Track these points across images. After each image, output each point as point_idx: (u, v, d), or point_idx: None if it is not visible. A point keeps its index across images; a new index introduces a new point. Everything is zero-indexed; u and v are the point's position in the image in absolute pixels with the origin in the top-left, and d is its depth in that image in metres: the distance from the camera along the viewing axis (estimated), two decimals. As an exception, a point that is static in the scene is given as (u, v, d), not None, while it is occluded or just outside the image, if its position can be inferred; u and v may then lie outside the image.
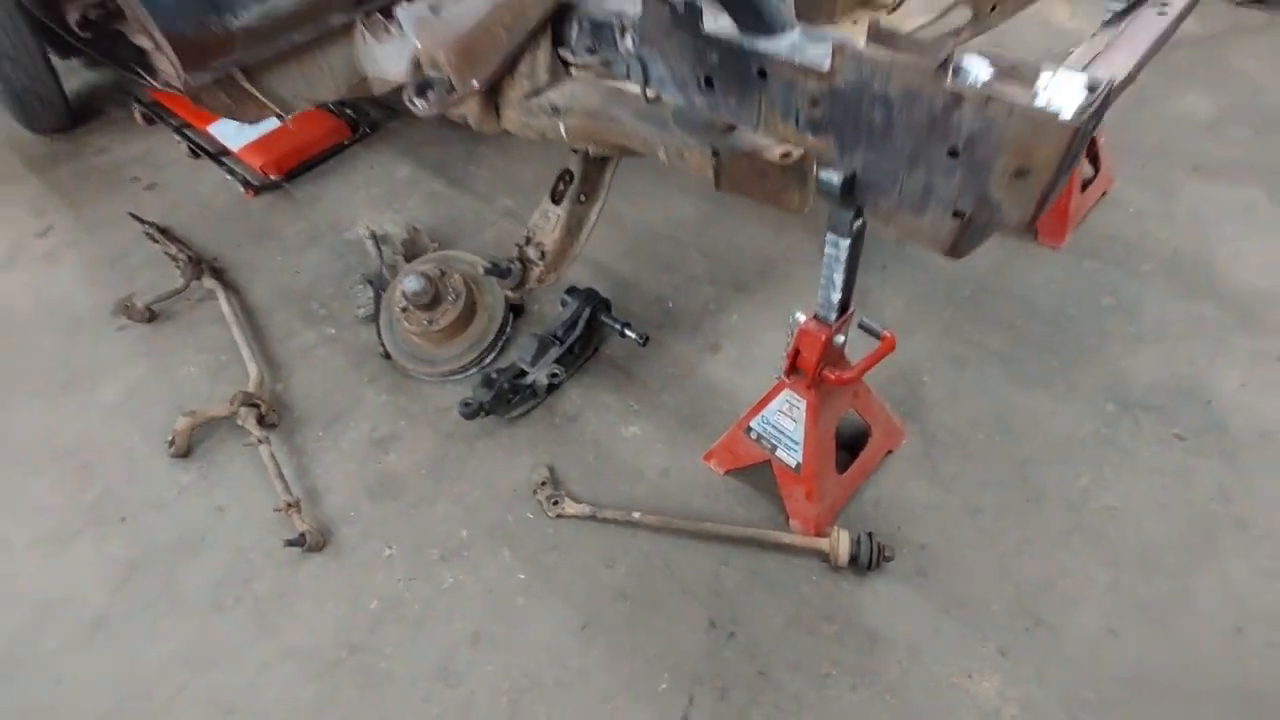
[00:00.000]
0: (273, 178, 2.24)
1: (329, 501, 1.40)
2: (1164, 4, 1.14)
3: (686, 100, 0.87)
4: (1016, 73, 0.62)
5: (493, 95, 1.04)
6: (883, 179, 0.73)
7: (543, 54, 0.97)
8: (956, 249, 0.75)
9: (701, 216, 1.86)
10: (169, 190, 2.39)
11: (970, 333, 1.49)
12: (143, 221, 2.15)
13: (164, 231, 2.13)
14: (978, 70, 0.61)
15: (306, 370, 1.68)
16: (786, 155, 0.86)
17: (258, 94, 1.41)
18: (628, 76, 0.92)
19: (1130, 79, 1.07)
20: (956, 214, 0.70)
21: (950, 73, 0.62)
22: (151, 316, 1.88)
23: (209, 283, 1.93)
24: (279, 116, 1.47)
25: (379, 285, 1.76)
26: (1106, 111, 0.66)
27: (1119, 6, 1.26)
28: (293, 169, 2.26)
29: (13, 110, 2.65)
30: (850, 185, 0.76)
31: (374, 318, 1.72)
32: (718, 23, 0.78)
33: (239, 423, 1.51)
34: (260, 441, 1.46)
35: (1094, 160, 1.68)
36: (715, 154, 0.89)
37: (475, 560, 1.27)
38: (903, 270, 1.63)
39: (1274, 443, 1.26)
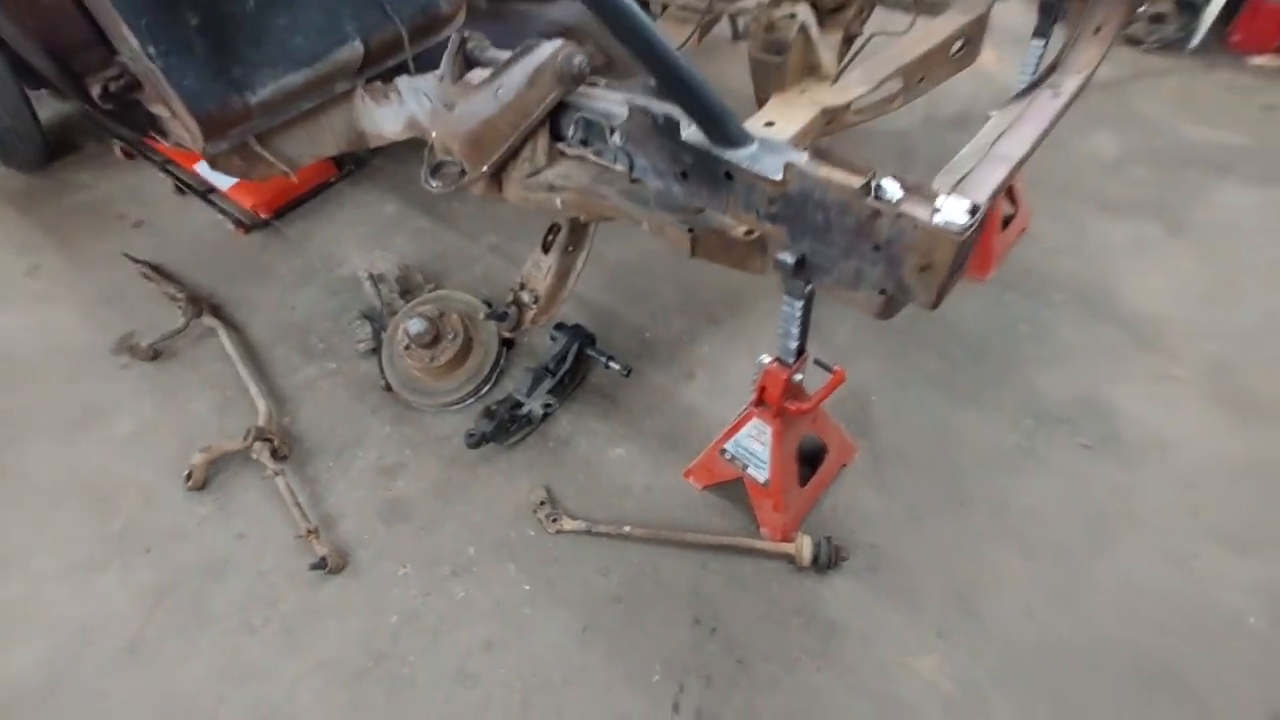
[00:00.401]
0: (263, 216, 2.34)
1: (344, 526, 1.54)
2: (1057, 87, 1.36)
3: (665, 187, 1.05)
4: (921, 191, 0.81)
5: (496, 174, 1.20)
6: (825, 262, 0.92)
7: (542, 142, 1.14)
8: (883, 316, 0.95)
9: (672, 252, 2.03)
10: (157, 227, 2.46)
11: (909, 357, 1.71)
12: (137, 261, 2.23)
13: (157, 270, 2.22)
14: (892, 190, 0.81)
15: (312, 403, 1.80)
16: (749, 232, 1.04)
17: (268, 156, 1.55)
18: (615, 163, 1.09)
19: (1032, 152, 1.28)
20: (882, 291, 0.89)
21: (872, 192, 0.81)
22: (155, 355, 1.98)
23: (209, 321, 2.03)
24: (286, 174, 1.60)
25: (377, 321, 1.90)
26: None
27: (1025, 82, 1.49)
28: (282, 207, 2.37)
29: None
30: (801, 264, 0.95)
31: (374, 352, 1.86)
32: (691, 132, 0.96)
33: (253, 456, 1.64)
34: (276, 473, 1.59)
35: (1013, 200, 1.92)
36: (691, 230, 1.07)
37: (483, 575, 1.42)
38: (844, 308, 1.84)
39: (1164, 449, 1.50)
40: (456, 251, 2.19)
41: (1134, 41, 2.65)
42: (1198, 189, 2.05)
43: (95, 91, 1.45)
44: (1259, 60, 2.50)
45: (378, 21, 1.48)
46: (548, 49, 1.06)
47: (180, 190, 2.52)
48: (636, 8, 0.80)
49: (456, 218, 2.30)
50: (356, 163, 2.53)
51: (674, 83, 0.86)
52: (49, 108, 2.91)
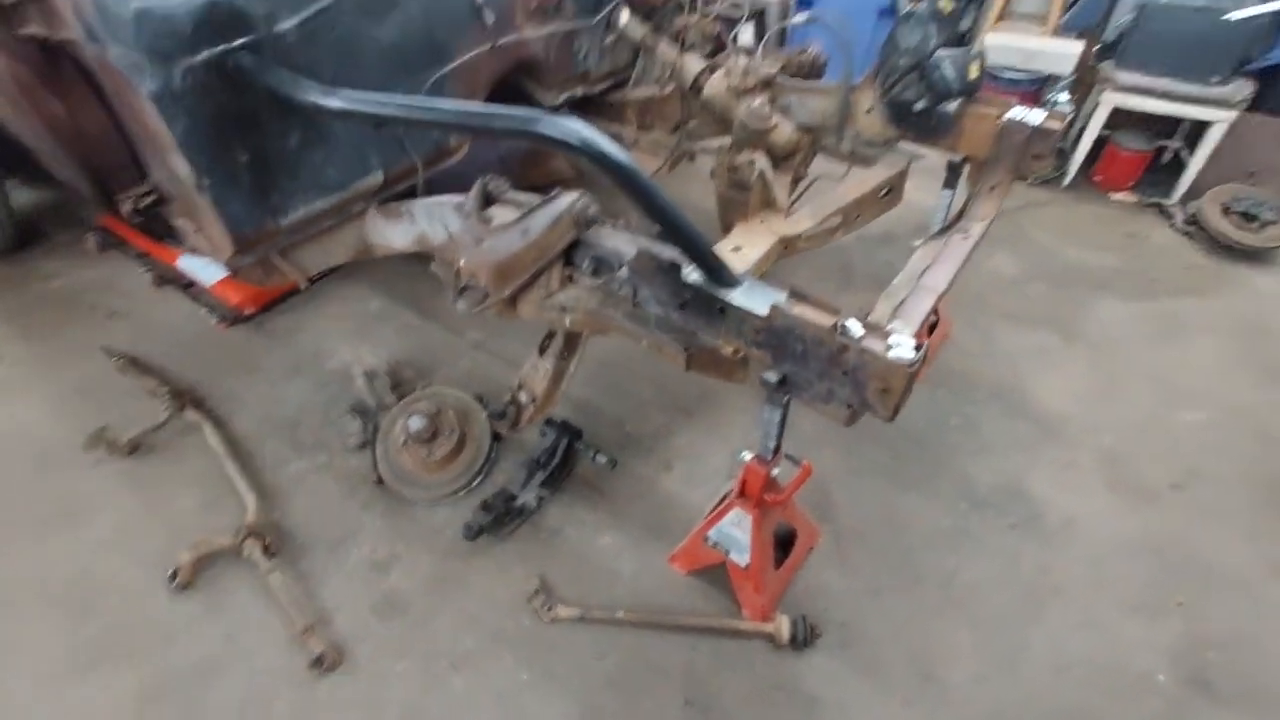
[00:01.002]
0: (249, 312, 2.42)
1: (339, 622, 1.57)
2: (966, 231, 1.69)
3: (665, 314, 1.25)
4: (878, 330, 1.04)
5: (513, 297, 1.38)
6: (802, 381, 1.13)
7: (557, 272, 1.33)
8: (849, 423, 1.16)
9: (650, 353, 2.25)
10: (133, 319, 2.48)
11: (861, 450, 1.93)
12: (114, 354, 2.24)
13: (135, 362, 2.23)
14: (855, 330, 1.03)
15: (302, 497, 1.85)
16: (736, 352, 1.25)
17: (287, 267, 1.68)
18: (621, 291, 1.30)
19: (951, 286, 1.58)
20: (849, 406, 1.10)
21: (839, 330, 1.03)
22: (133, 450, 1.98)
23: (192, 415, 2.05)
24: (302, 283, 1.74)
25: (369, 416, 1.98)
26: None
27: (940, 224, 1.82)
28: (267, 302, 2.46)
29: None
30: (782, 382, 1.15)
31: (365, 446, 1.94)
32: (691, 273, 1.17)
33: (245, 554, 1.66)
34: (269, 571, 1.62)
35: (936, 313, 2.24)
36: (687, 349, 1.27)
37: (482, 666, 1.48)
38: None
39: (1074, 528, 1.75)
40: (442, 347, 2.32)
41: (1021, 177, 3.16)
42: (1084, 303, 2.45)
43: (126, 207, 1.57)
44: (1118, 196, 3.05)
45: (397, 156, 1.69)
46: (567, 199, 1.28)
47: (160, 283, 2.56)
48: (657, 186, 1.03)
49: (440, 314, 2.44)
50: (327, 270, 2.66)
51: (682, 238, 1.08)
52: (20, 195, 2.91)
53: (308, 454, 1.97)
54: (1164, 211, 2.92)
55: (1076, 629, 1.55)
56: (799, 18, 2.15)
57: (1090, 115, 2.95)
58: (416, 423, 1.74)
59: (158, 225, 1.70)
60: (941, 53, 1.70)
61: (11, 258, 2.75)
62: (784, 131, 1.90)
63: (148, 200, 1.59)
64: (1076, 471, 1.88)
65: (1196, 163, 2.85)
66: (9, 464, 1.97)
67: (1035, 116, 1.68)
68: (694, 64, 2.04)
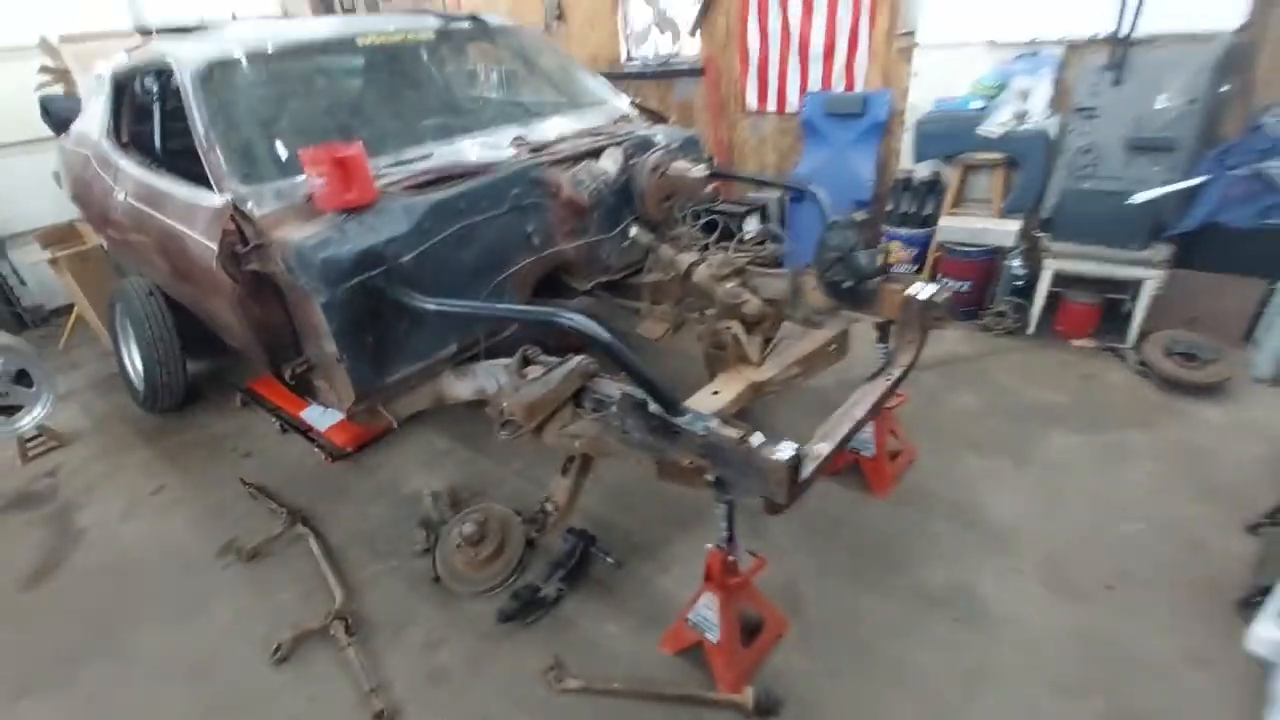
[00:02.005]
0: (348, 450, 3.09)
1: (397, 687, 1.98)
2: (889, 375, 2.19)
3: (642, 437, 1.78)
4: (773, 440, 1.53)
5: (539, 428, 1.95)
6: (733, 480, 1.61)
7: (569, 410, 1.91)
8: (770, 512, 1.61)
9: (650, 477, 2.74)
10: (262, 457, 3.19)
11: (830, 553, 2.29)
12: (247, 484, 2.92)
13: (262, 490, 2.89)
14: (755, 440, 1.53)
15: (377, 591, 2.34)
16: (690, 462, 1.75)
17: (385, 413, 2.34)
18: (613, 422, 1.85)
19: (874, 412, 2.06)
20: (763, 497, 1.57)
21: (743, 441, 1.54)
22: (253, 556, 2.55)
23: (300, 529, 2.64)
24: (394, 425, 2.38)
25: (432, 529, 2.51)
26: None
27: (873, 371, 2.33)
28: (363, 443, 3.13)
29: (141, 396, 3.54)
30: (720, 482, 1.64)
31: (427, 552, 2.44)
32: (654, 407, 1.72)
33: (331, 633, 2.14)
34: (347, 645, 2.08)
35: (898, 438, 2.66)
36: (658, 463, 1.78)
37: (506, 724, 1.85)
38: (787, 513, 2.48)
39: (1012, 621, 2.01)
40: (491, 474, 2.88)
41: (987, 329, 3.67)
42: (1037, 435, 2.82)
43: (287, 373, 2.30)
44: (1078, 343, 3.47)
45: (467, 333, 2.38)
46: (576, 361, 1.89)
47: (284, 430, 3.31)
48: (627, 351, 1.62)
49: (490, 450, 3.03)
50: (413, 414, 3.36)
51: (645, 384, 1.65)
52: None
53: (383, 559, 2.49)
54: (1119, 355, 3.32)
55: (1008, 706, 1.78)
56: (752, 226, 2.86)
57: (1039, 277, 3.49)
58: (469, 527, 2.26)
59: (302, 385, 2.42)
60: (861, 249, 2.33)
61: (177, 412, 3.59)
62: (753, 305, 2.51)
63: (302, 368, 2.32)
64: (1018, 575, 2.16)
65: (1139, 313, 3.29)
66: (160, 565, 2.57)
67: (927, 291, 2.23)
68: (686, 259, 2.74)
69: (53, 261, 4.23)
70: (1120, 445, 2.70)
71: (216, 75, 2.39)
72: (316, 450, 3.12)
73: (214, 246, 2.11)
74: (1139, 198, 3.10)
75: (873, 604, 2.11)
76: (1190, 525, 2.28)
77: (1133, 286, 3.32)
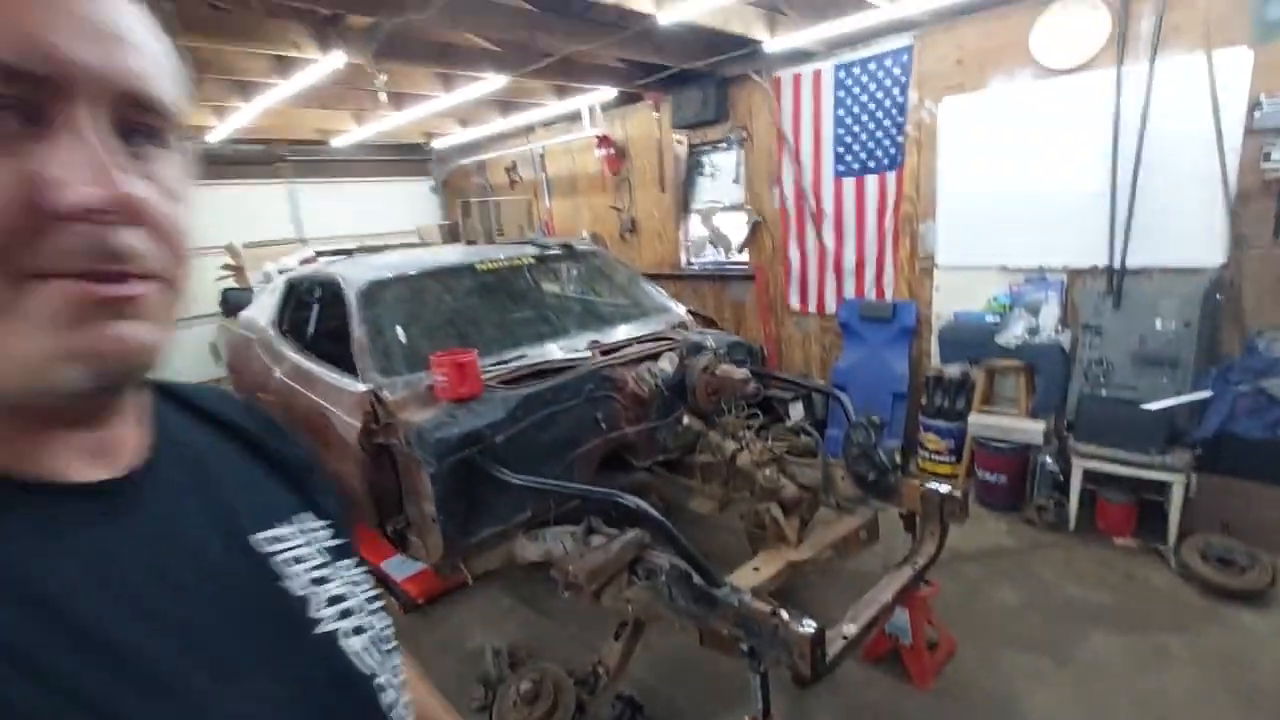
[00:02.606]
0: (420, 601, 3.40)
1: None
2: (915, 564, 2.42)
3: (687, 605, 2.07)
4: (796, 617, 1.80)
5: (599, 592, 2.26)
6: (763, 650, 1.86)
7: (624, 576, 2.23)
8: (797, 684, 1.83)
9: (694, 647, 2.91)
10: (342, 604, 3.54)
11: (867, 743, 2.37)
12: (330, 627, 3.23)
13: (341, 635, 3.20)
14: (783, 615, 1.81)
15: (436, 745, 2.52)
16: (728, 632, 2.01)
17: (464, 568, 2.70)
18: (662, 590, 2.15)
19: (901, 598, 2.27)
20: (790, 669, 1.80)
21: (773, 614, 1.81)
22: (329, 698, 2.80)
23: (372, 676, 2.90)
24: (469, 580, 2.73)
25: (490, 685, 2.72)
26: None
27: (900, 558, 2.56)
28: (435, 595, 3.45)
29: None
30: (752, 652, 1.88)
31: (485, 709, 2.64)
32: (697, 580, 2.03)
33: (394, 779, 2.32)
34: (408, 793, 2.25)
35: (936, 628, 2.78)
36: (699, 630, 2.05)
37: None
38: (829, 697, 2.58)
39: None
40: (550, 636, 3.11)
41: (1030, 523, 3.80)
42: (1078, 633, 2.87)
43: (389, 527, 2.74)
44: (1119, 541, 3.55)
45: (542, 502, 2.80)
46: (633, 534, 2.25)
47: (364, 579, 3.67)
48: (674, 529, 1.98)
49: (552, 612, 3.28)
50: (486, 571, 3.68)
51: (689, 558, 1.98)
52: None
53: (444, 711, 2.69)
54: (1161, 555, 3.38)
55: None
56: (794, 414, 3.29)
57: (1071, 473, 3.69)
58: (525, 685, 2.48)
59: (397, 538, 2.84)
60: (886, 443, 2.69)
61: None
62: (790, 490, 2.85)
63: (401, 524, 2.75)
64: (1057, 780, 2.18)
65: (1174, 514, 3.40)
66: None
67: (943, 488, 2.52)
68: (730, 446, 3.16)
69: (197, 417, 5.03)
70: (1162, 649, 2.72)
71: (373, 292, 3.16)
72: (392, 600, 3.45)
73: (355, 423, 2.69)
74: (1151, 406, 3.38)
75: (908, 798, 2.15)
76: (1236, 740, 2.26)
77: (1164, 488, 3.46)
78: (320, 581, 0.58)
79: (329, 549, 0.62)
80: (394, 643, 0.62)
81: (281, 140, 6.35)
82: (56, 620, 0.39)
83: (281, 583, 0.55)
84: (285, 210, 6.64)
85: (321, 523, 0.63)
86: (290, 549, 0.58)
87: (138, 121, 0.42)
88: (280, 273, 4.97)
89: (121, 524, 0.46)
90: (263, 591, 0.54)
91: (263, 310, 4.31)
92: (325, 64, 3.54)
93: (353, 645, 0.57)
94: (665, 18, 3.45)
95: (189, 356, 6.16)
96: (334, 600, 0.58)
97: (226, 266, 5.74)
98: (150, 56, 0.43)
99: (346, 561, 0.63)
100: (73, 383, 0.40)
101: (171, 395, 0.60)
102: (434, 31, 3.67)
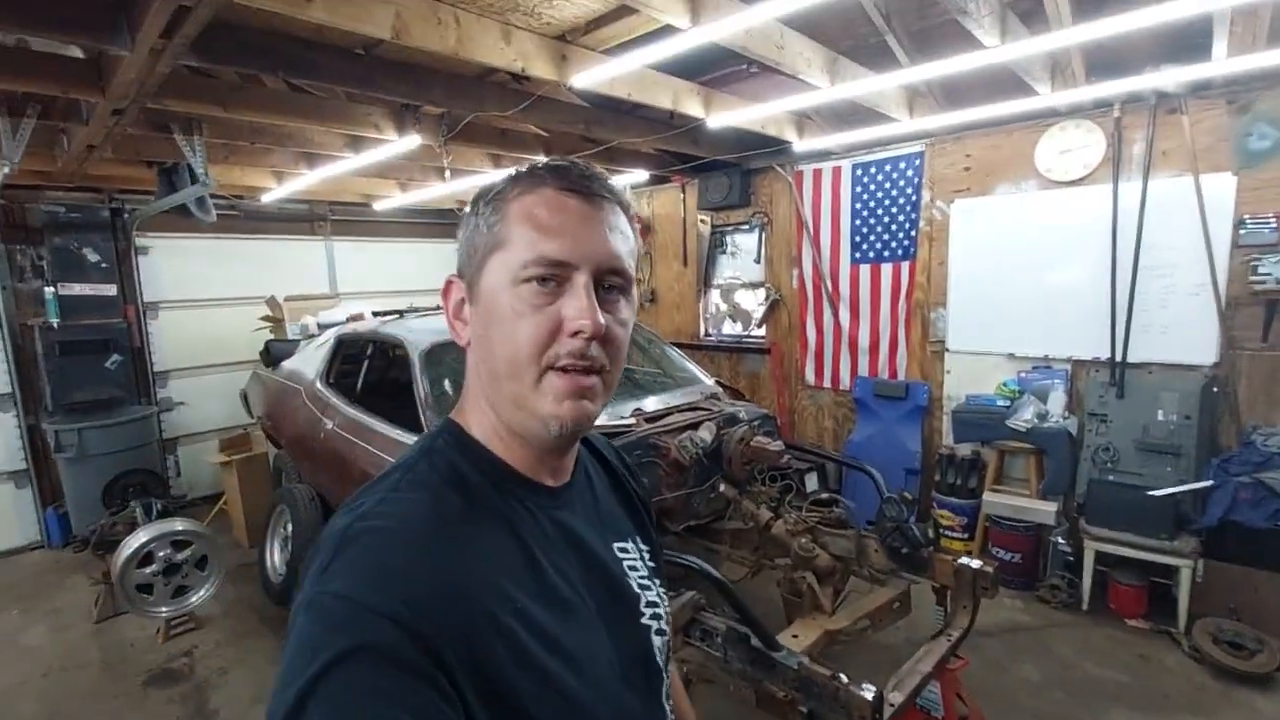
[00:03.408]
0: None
1: None
2: (949, 635, 2.56)
3: (743, 667, 2.19)
4: (857, 683, 1.94)
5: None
6: (823, 715, 1.98)
7: (679, 637, 2.35)
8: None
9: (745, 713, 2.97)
10: (372, 659, 3.56)
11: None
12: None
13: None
14: (843, 678, 1.94)
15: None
16: (785, 694, 2.12)
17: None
18: (716, 652, 2.27)
19: (938, 670, 2.40)
20: (848, 729, 1.92)
21: (834, 677, 1.94)
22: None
23: None
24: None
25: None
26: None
27: (935, 630, 2.70)
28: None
29: (276, 588, 4.06)
30: (812, 716, 2.00)
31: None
32: (755, 641, 2.16)
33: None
34: None
35: (965, 703, 2.87)
36: (756, 692, 2.16)
37: None
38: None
39: None
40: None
41: (1044, 601, 3.93)
42: (1100, 711, 2.97)
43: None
44: (1132, 622, 3.68)
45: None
46: (689, 595, 2.38)
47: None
48: (733, 588, 2.12)
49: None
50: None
51: (748, 620, 2.12)
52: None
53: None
54: (1173, 637, 3.51)
55: None
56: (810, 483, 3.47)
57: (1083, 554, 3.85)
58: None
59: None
60: (913, 521, 2.87)
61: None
62: (824, 559, 3.00)
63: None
64: None
65: (1183, 598, 3.55)
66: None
67: (975, 563, 2.69)
68: (764, 513, 3.32)
69: (225, 463, 5.13)
70: (1182, 732, 2.83)
71: (435, 353, 3.37)
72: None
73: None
74: (1158, 493, 3.60)
75: None
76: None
77: (1173, 571, 3.63)
78: (644, 588, 0.83)
79: (649, 568, 0.87)
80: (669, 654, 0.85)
81: (325, 200, 6.71)
82: (526, 546, 0.72)
83: (627, 579, 0.82)
84: (322, 265, 6.92)
85: (646, 547, 0.89)
86: (629, 559, 0.84)
87: (610, 280, 0.73)
88: (321, 327, 5.21)
89: (558, 512, 0.78)
90: (618, 580, 0.81)
91: (309, 362, 4.50)
92: (400, 144, 3.88)
93: (656, 642, 0.82)
94: (715, 122, 3.85)
95: (212, 403, 6.29)
96: (650, 604, 0.83)
97: (265, 318, 5.96)
98: (622, 243, 0.74)
99: (658, 581, 0.88)
100: (556, 433, 0.72)
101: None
102: (498, 120, 4.05)
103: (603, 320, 0.70)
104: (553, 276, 0.70)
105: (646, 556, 0.88)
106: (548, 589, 0.71)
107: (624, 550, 0.84)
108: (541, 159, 0.76)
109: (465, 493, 0.72)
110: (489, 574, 0.67)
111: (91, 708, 3.21)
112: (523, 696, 0.64)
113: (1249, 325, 3.58)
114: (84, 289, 5.28)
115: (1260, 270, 3.39)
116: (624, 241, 0.75)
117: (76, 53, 2.92)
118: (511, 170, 0.77)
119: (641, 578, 0.84)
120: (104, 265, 5.38)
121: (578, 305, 0.69)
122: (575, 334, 0.69)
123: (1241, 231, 3.51)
